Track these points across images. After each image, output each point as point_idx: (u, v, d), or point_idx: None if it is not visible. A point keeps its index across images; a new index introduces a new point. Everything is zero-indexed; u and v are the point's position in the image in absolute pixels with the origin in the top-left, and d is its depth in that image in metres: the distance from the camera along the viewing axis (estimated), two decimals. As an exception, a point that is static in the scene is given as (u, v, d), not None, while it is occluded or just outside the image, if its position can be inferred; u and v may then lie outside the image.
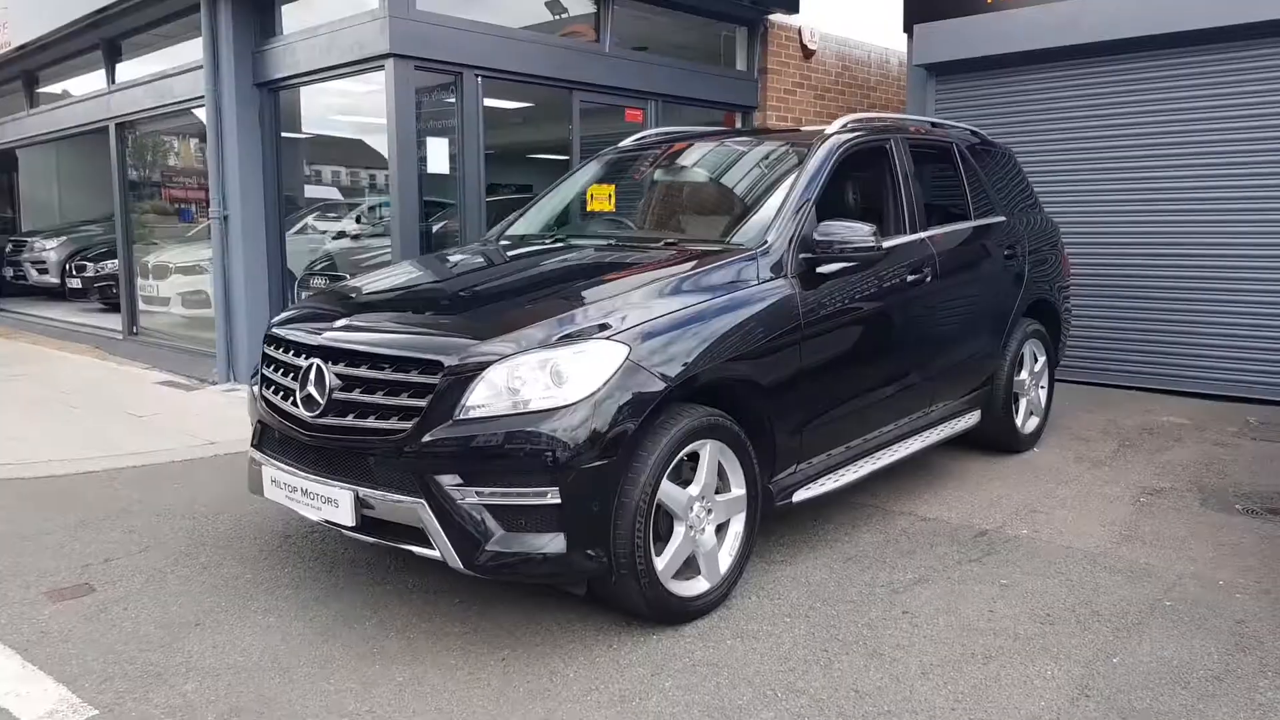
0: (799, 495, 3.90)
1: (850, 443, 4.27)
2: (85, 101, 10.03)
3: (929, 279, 4.56)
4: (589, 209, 5.96)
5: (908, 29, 8.25)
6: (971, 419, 5.14)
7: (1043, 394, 5.79)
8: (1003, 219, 5.43)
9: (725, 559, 3.53)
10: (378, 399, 3.20)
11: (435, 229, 7.44)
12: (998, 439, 5.48)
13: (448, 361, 3.11)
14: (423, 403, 3.11)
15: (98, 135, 9.81)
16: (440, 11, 6.56)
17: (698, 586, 3.42)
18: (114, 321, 10.20)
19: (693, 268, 3.62)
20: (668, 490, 3.26)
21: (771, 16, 8.88)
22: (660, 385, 3.18)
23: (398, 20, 6.29)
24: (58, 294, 13.76)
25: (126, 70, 9.52)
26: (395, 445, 3.11)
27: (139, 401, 7.24)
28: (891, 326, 4.36)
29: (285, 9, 7.44)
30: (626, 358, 3.14)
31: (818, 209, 4.08)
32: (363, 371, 3.26)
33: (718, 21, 8.90)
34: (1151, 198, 7.30)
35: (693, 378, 3.30)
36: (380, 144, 6.69)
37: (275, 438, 3.59)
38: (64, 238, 14.28)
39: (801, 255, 3.90)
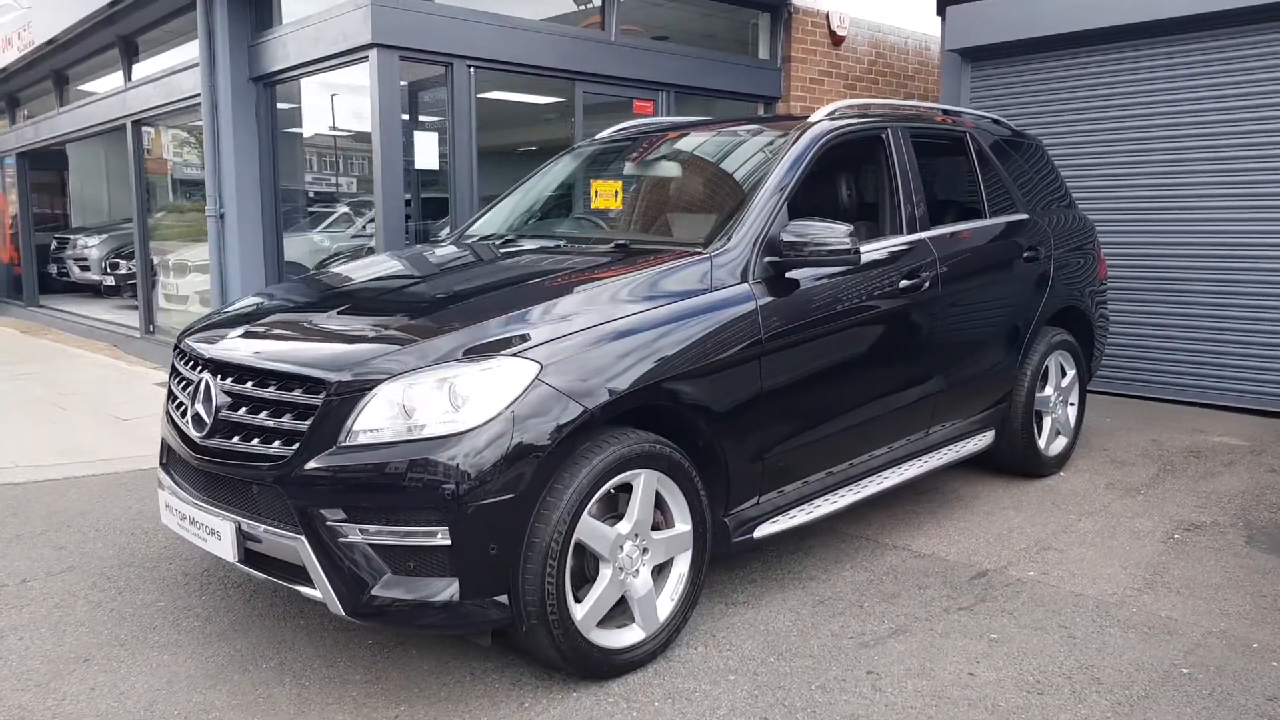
0: (763, 530, 3.45)
1: (830, 468, 3.80)
2: (106, 100, 9.95)
3: (928, 285, 4.06)
4: (592, 206, 5.59)
5: (941, 11, 7.68)
6: (983, 441, 4.62)
7: (1072, 411, 5.22)
8: (1024, 217, 4.88)
9: (666, 604, 3.10)
10: (261, 420, 2.85)
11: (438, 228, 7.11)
12: (1016, 462, 4.94)
13: (332, 379, 2.73)
14: (304, 425, 2.74)
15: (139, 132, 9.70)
16: (428, -2, 6.22)
17: (629, 637, 3.00)
18: (138, 320, 10.11)
19: (631, 273, 3.20)
20: (590, 528, 2.84)
21: (796, 1, 8.37)
22: (577, 409, 2.76)
23: (381, 8, 5.97)
24: (99, 291, 13.84)
25: (142, 67, 9.41)
26: (277, 473, 2.75)
27: (130, 404, 7.05)
28: (879, 340, 3.87)
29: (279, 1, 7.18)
30: (536, 377, 2.73)
31: (797, 207, 3.63)
32: (248, 389, 2.91)
33: (738, 7, 8.42)
34: (1207, 191, 6.64)
35: (619, 400, 2.88)
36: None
37: (176, 459, 3.26)
38: (105, 235, 14.35)
39: (767, 259, 3.45)
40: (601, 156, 4.59)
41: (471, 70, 6.48)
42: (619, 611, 3.01)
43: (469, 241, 4.16)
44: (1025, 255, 4.74)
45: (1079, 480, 5.02)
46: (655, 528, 3.07)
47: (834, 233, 3.40)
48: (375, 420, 2.68)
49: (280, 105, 7.43)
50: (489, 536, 2.65)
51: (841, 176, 4.37)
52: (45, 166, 15.48)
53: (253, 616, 3.45)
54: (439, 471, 2.60)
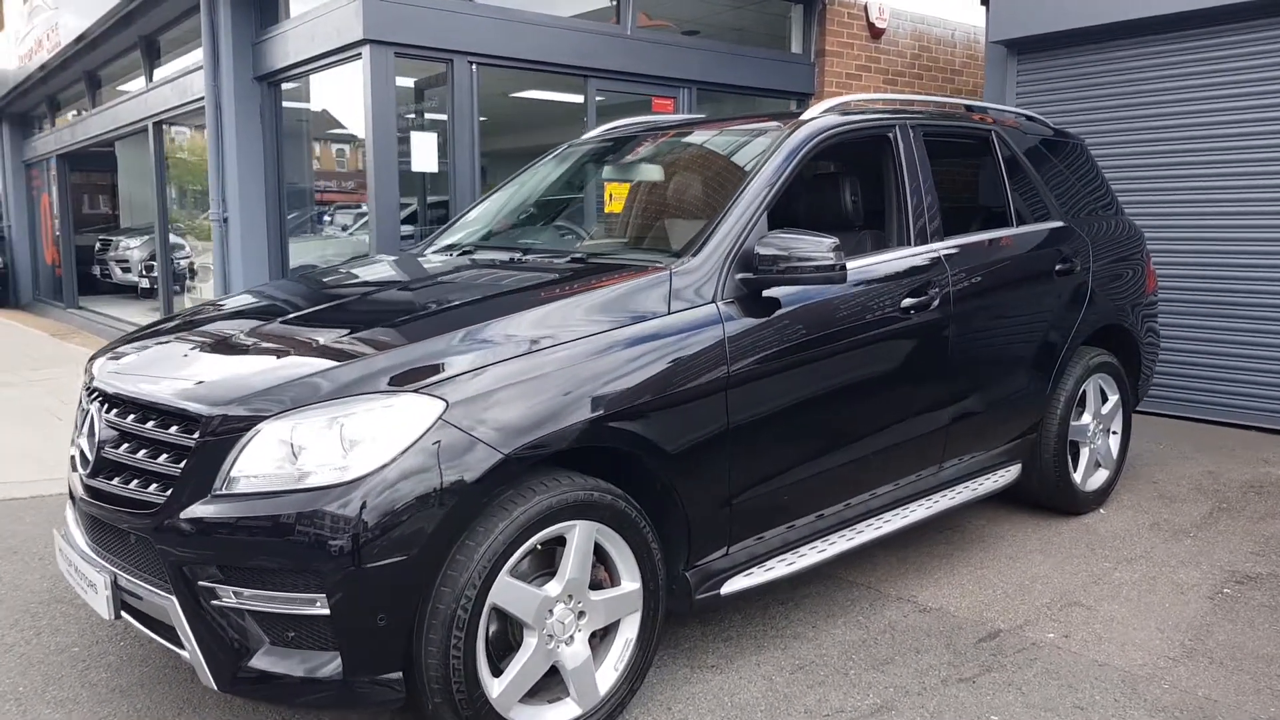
0: (731, 585, 3.02)
1: (822, 510, 3.36)
2: (130, 101, 9.86)
3: (937, 303, 3.58)
4: (606, 211, 5.24)
5: (985, 0, 7.13)
6: (1007, 476, 4.11)
7: (1114, 441, 4.68)
8: (1058, 225, 4.36)
9: (608, 675, 2.69)
10: (140, 459, 2.51)
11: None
12: (1049, 498, 4.42)
13: (207, 414, 2.39)
14: (178, 469, 2.40)
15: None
16: (425, -9, 5.89)
17: (561, 714, 2.60)
18: (159, 324, 10.00)
19: (574, 295, 2.79)
20: (510, 591, 2.45)
21: (831, -8, 7.88)
22: (490, 455, 2.37)
23: (374, 2, 5.65)
24: (141, 293, 13.88)
25: (163, 68, 9.28)
26: (150, 522, 2.41)
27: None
28: (878, 366, 3.41)
29: (285, -5, 6.92)
30: (440, 417, 2.34)
31: (793, 217, 3.21)
32: (129, 423, 2.58)
33: (770, -1, 7.97)
34: (1273, 195, 6.00)
35: (545, 442, 2.48)
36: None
37: (73, 498, 2.95)
38: (147, 237, 14.40)
39: (740, 276, 3.02)
40: (587, 158, 4.19)
41: (474, 67, 6.14)
42: (554, 682, 2.62)
43: (425, 253, 3.79)
44: (1058, 268, 4.22)
45: (1120, 519, 4.48)
46: (597, 586, 2.67)
47: (814, 246, 2.95)
48: (256, 464, 2.32)
49: (288, 104, 7.17)
50: (375, 605, 2.27)
51: (845, 181, 3.91)
52: (93, 167, 15.61)
53: (166, 669, 3.13)
54: (318, 528, 2.24)
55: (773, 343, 3.03)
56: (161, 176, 9.34)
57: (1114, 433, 4.69)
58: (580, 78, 6.73)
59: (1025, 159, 4.34)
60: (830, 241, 2.98)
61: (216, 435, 2.36)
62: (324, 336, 2.68)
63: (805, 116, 3.55)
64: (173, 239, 13.60)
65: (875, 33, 8.24)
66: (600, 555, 2.68)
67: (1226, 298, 6.18)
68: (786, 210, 4.40)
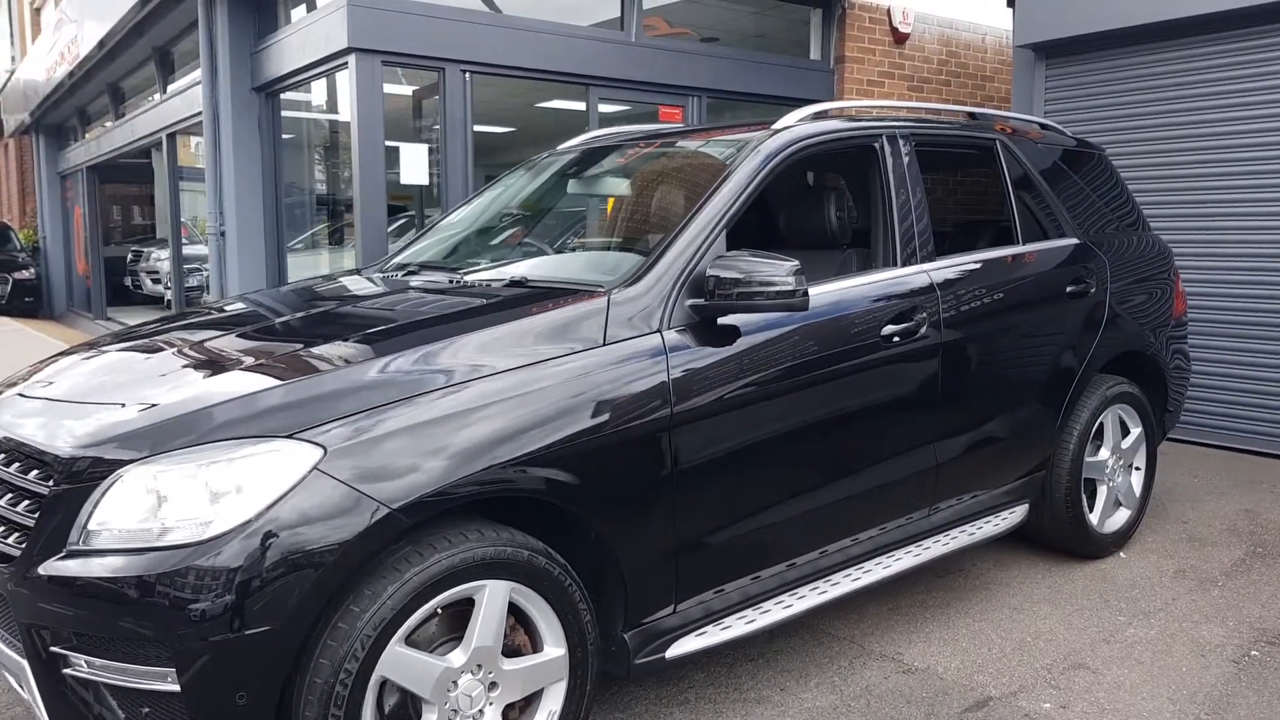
0: (680, 648, 2.71)
1: (793, 559, 3.04)
2: (147, 112, 9.83)
3: (926, 330, 3.24)
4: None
5: (1011, 1, 6.74)
6: (1011, 518, 3.75)
7: (1137, 478, 4.28)
8: (1071, 243, 3.99)
9: (526, 752, 2.40)
10: (3, 506, 2.28)
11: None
12: (1061, 540, 4.05)
13: (65, 456, 2.15)
14: (33, 519, 2.16)
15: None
16: (414, -2, 5.67)
17: (470, 798, 2.32)
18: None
19: (499, 323, 2.51)
20: (403, 661, 2.18)
21: (851, -5, 7.54)
22: (374, 509, 2.09)
23: (359, 9, 5.45)
24: (168, 304, 13.93)
25: (177, 80, 9.22)
26: (6, 577, 2.18)
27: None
28: (855, 401, 3.08)
29: (284, 4, 6.75)
30: (316, 466, 2.07)
31: (756, 235, 2.91)
32: (-2, 464, 2.35)
33: (788, 4, 7.64)
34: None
35: (445, 493, 2.20)
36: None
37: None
38: (177, 247, 14.46)
39: (691, 302, 2.72)
40: (558, 172, 3.91)
41: (467, 76, 5.91)
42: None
43: (373, 272, 3.54)
44: (1070, 289, 3.85)
45: (1141, 564, 4.08)
46: (516, 653, 2.39)
47: (771, 269, 2.65)
48: (115, 517, 2.07)
49: (287, 114, 7.01)
50: (235, 682, 2.01)
51: (830, 196, 3.59)
52: (128, 178, 15.73)
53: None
54: (173, 593, 1.98)
55: (728, 376, 2.72)
56: (175, 187, 9.26)
57: (1137, 469, 4.29)
58: (581, 86, 6.46)
59: (1035, 170, 3.98)
60: (789, 264, 2.68)
61: (74, 482, 2.12)
62: (214, 369, 2.43)
63: (777, 126, 3.23)
64: (196, 250, 13.69)
65: (899, 37, 7.88)
66: (521, 617, 2.40)
67: (1274, 318, 5.71)
68: (764, 228, 4.12)
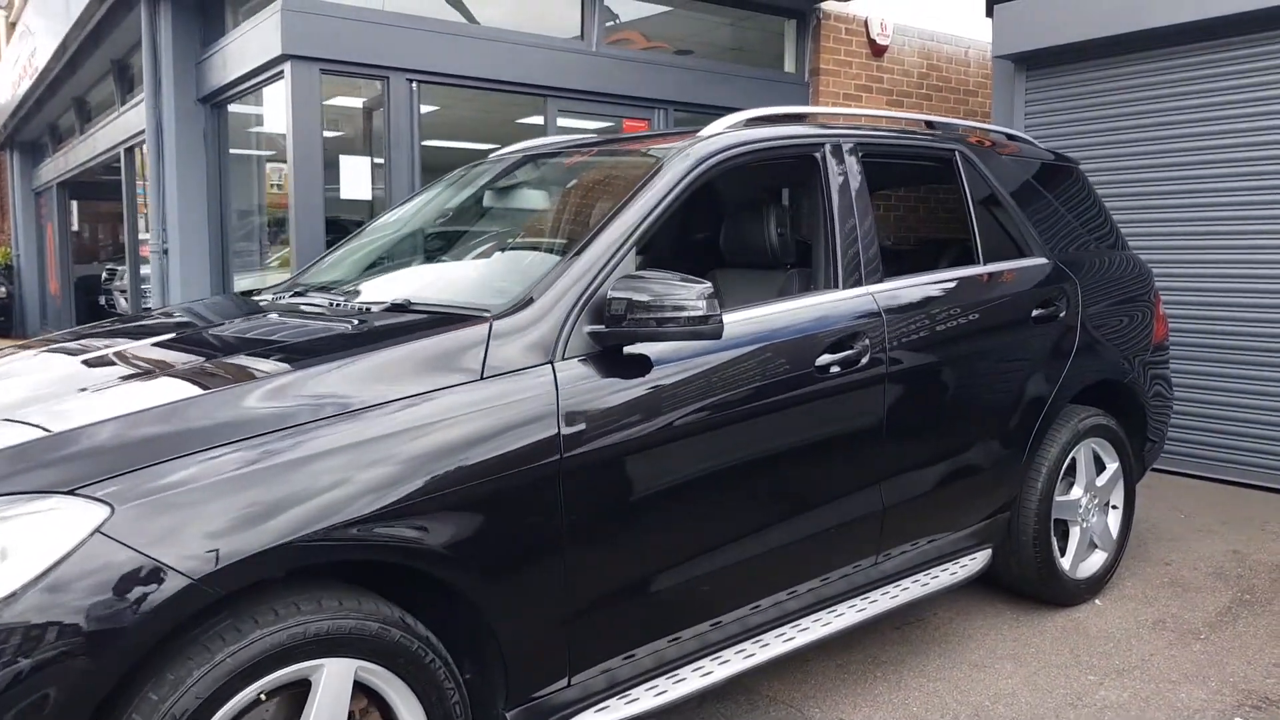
0: (578, 726, 2.37)
1: (716, 618, 2.70)
2: (107, 126, 9.54)
3: (868, 359, 2.92)
4: None
5: (990, 10, 6.45)
6: (971, 565, 3.41)
7: (1114, 518, 3.94)
8: (1038, 263, 3.67)
9: None
10: None
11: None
12: (1029, 587, 3.71)
13: None
14: None
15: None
16: (356, 3, 5.37)
17: None
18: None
19: (354, 355, 2.18)
20: (218, 754, 1.84)
21: (825, 5, 7.25)
22: (175, 580, 1.76)
23: (294, 15, 5.15)
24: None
25: (136, 93, 8.93)
26: None
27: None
28: (783, 440, 2.75)
29: (231, 10, 6.46)
30: (98, 529, 1.74)
31: (687, 253, 2.59)
32: None
33: (761, 15, 7.36)
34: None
35: (262, 558, 1.86)
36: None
37: None
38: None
39: (590, 329, 2.40)
40: (479, 183, 3.59)
41: (414, 85, 5.62)
42: None
43: (257, 297, 3.21)
44: (1037, 313, 3.53)
45: (1118, 613, 3.74)
46: (371, 737, 2.05)
47: (677, 291, 2.33)
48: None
49: (237, 126, 6.72)
50: (-12, 788, 1.67)
51: (771, 211, 3.28)
52: (104, 195, 15.44)
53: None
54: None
55: (634, 414, 2.40)
56: (134, 203, 8.96)
57: (1114, 507, 3.96)
58: (539, 98, 6.17)
59: (1000, 184, 3.66)
60: (699, 287, 2.36)
61: None
62: (24, 408, 2.10)
63: (704, 134, 2.92)
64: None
65: (877, 49, 7.59)
66: (374, 699, 2.06)
67: (1273, 343, 5.38)
68: (704, 247, 3.82)
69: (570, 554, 2.29)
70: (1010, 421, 3.42)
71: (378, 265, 3.13)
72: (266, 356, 2.24)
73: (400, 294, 2.65)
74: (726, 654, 2.70)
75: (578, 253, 2.50)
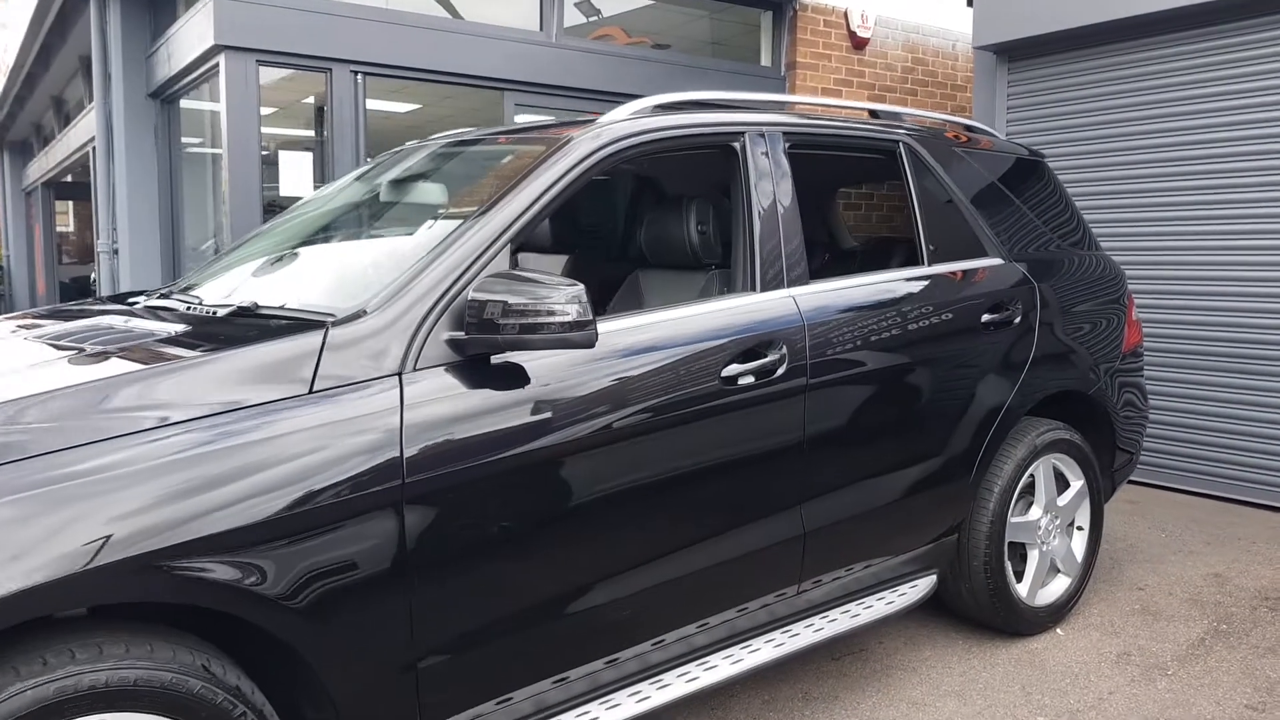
0: (425, 785, 2.11)
1: (611, 655, 2.43)
2: (78, 125, 9.35)
3: (786, 370, 2.64)
4: None
5: (971, 1, 6.16)
6: (913, 593, 3.13)
7: (1079, 540, 3.65)
8: (994, 263, 3.38)
9: None
10: None
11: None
12: (981, 615, 3.42)
13: None
14: None
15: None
16: (297, -10, 5.13)
17: None
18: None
19: (166, 367, 1.92)
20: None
21: (803, -4, 6.97)
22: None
23: (227, 3, 4.91)
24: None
25: (104, 88, 8.73)
26: None
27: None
28: (684, 460, 2.47)
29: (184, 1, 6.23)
30: None
31: (612, 252, 2.33)
32: None
33: (737, 7, 7.09)
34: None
35: (31, 603, 1.61)
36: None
37: None
38: (140, 266, 14.02)
39: (450, 336, 2.14)
40: (378, 177, 3.32)
41: (359, 78, 5.37)
42: None
43: (135, 299, 2.96)
44: (987, 318, 3.24)
45: (1080, 644, 3.44)
46: (170, 801, 1.79)
47: (544, 294, 2.07)
48: None
49: (190, 122, 6.49)
50: None
51: (691, 207, 3.01)
52: (89, 195, 15.31)
53: None
54: None
55: (499, 434, 2.13)
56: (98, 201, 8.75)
57: (1079, 528, 3.66)
58: (494, 91, 5.91)
59: (950, 179, 3.38)
60: (569, 289, 2.09)
61: None
62: None
63: (603, 121, 2.66)
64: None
65: (858, 43, 7.30)
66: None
67: (1267, 349, 5.06)
68: (606, 243, 3.55)
69: (416, 593, 2.03)
70: (955, 437, 3.14)
71: (260, 263, 2.87)
72: (72, 366, 1.98)
73: (251, 297, 2.40)
74: (618, 697, 2.43)
75: (440, 251, 2.24)
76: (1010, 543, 3.39)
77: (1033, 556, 3.47)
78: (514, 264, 3.85)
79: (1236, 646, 3.42)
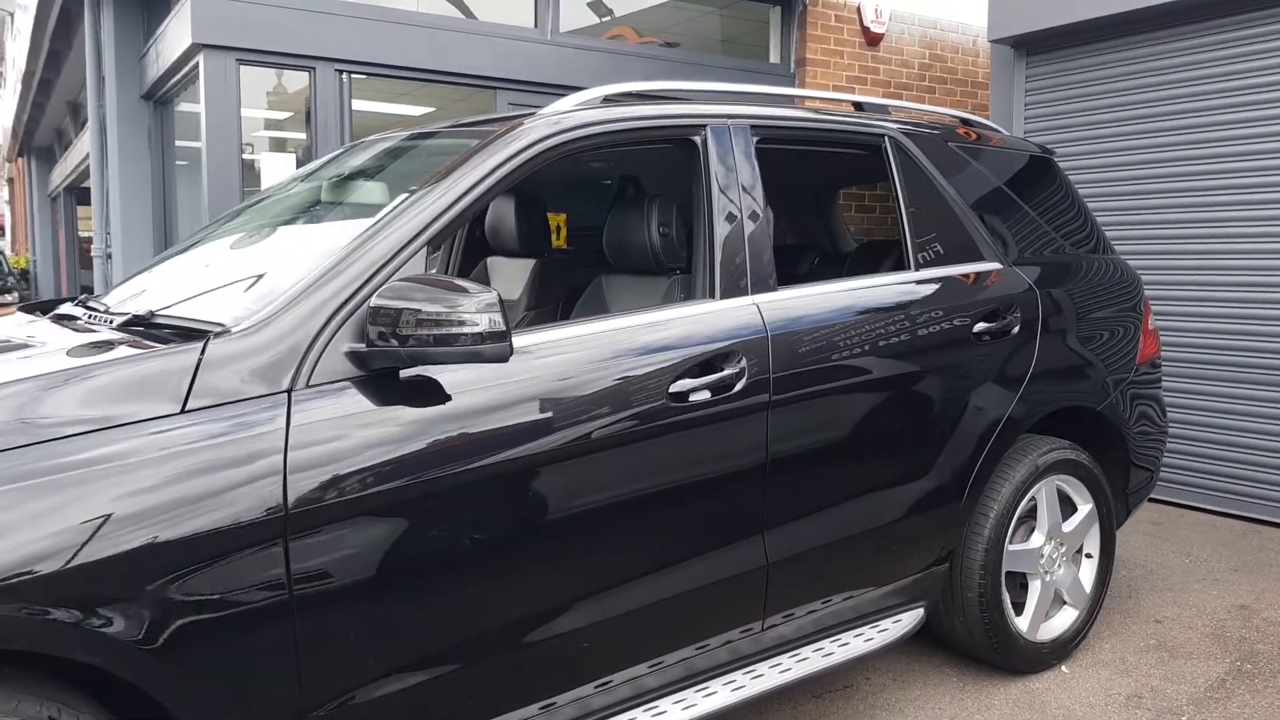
0: None
1: (548, 699, 2.21)
2: (88, 129, 9.31)
3: (747, 384, 2.40)
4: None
5: (987, -8, 5.87)
6: (896, 628, 2.86)
7: (1088, 568, 3.36)
8: (990, 268, 3.11)
9: None
10: None
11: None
12: (976, 650, 3.15)
13: None
14: None
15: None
16: (278, -13, 4.97)
17: None
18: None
19: (33, 381, 1.73)
20: None
21: (813, -10, 6.71)
22: None
23: (205, 2, 4.76)
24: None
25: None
26: None
27: None
28: (622, 486, 2.24)
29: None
30: None
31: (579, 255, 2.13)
32: None
33: (746, 1, 6.84)
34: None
35: None
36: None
37: None
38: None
39: (351, 348, 1.92)
40: (317, 176, 3.11)
41: (343, 76, 5.20)
42: None
43: (69, 304, 2.78)
44: (980, 328, 2.97)
45: (1086, 684, 3.15)
46: None
47: (452, 302, 1.85)
48: None
49: (184, 124, 6.37)
50: None
51: (652, 207, 2.77)
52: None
53: None
54: None
55: (406, 458, 1.91)
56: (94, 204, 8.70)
57: (1088, 556, 3.37)
58: (488, 90, 5.71)
59: (942, 177, 3.11)
60: (481, 297, 1.87)
61: None
62: None
63: (546, 112, 2.44)
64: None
65: (871, 38, 7.02)
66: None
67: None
68: (587, 248, 3.31)
69: (302, 639, 1.81)
70: (942, 458, 2.87)
71: (183, 268, 2.68)
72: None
73: (150, 304, 2.20)
74: (551, 748, 2.20)
75: (347, 255, 2.03)
76: (1010, 572, 3.12)
77: (1034, 587, 3.18)
78: (475, 268, 3.66)
79: (1262, 690, 3.11)
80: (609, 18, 7.12)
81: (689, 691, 2.44)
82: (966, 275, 3.03)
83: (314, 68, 5.11)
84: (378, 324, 1.87)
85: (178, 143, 6.24)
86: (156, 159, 6.28)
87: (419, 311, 1.85)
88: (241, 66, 4.94)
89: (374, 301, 1.89)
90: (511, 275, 3.53)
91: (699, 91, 2.81)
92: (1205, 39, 4.94)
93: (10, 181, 21.66)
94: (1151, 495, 5.18)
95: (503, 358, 1.89)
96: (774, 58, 6.95)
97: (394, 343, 1.86)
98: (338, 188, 2.77)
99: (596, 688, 2.31)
